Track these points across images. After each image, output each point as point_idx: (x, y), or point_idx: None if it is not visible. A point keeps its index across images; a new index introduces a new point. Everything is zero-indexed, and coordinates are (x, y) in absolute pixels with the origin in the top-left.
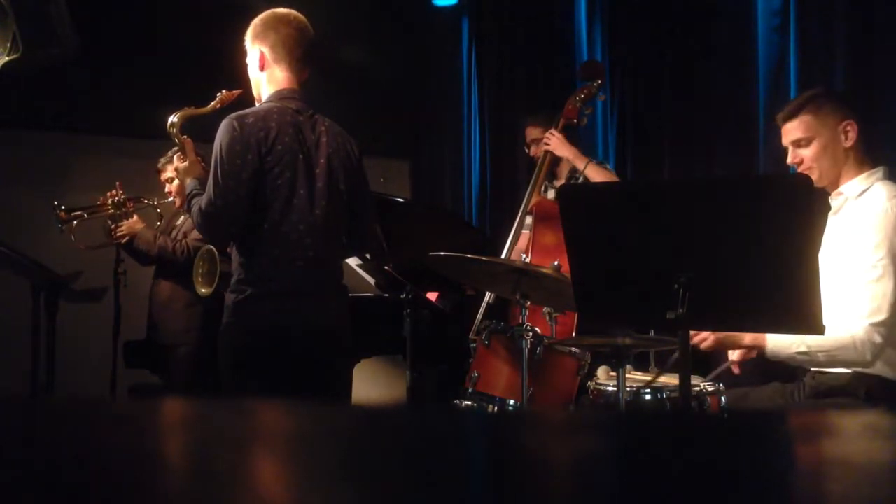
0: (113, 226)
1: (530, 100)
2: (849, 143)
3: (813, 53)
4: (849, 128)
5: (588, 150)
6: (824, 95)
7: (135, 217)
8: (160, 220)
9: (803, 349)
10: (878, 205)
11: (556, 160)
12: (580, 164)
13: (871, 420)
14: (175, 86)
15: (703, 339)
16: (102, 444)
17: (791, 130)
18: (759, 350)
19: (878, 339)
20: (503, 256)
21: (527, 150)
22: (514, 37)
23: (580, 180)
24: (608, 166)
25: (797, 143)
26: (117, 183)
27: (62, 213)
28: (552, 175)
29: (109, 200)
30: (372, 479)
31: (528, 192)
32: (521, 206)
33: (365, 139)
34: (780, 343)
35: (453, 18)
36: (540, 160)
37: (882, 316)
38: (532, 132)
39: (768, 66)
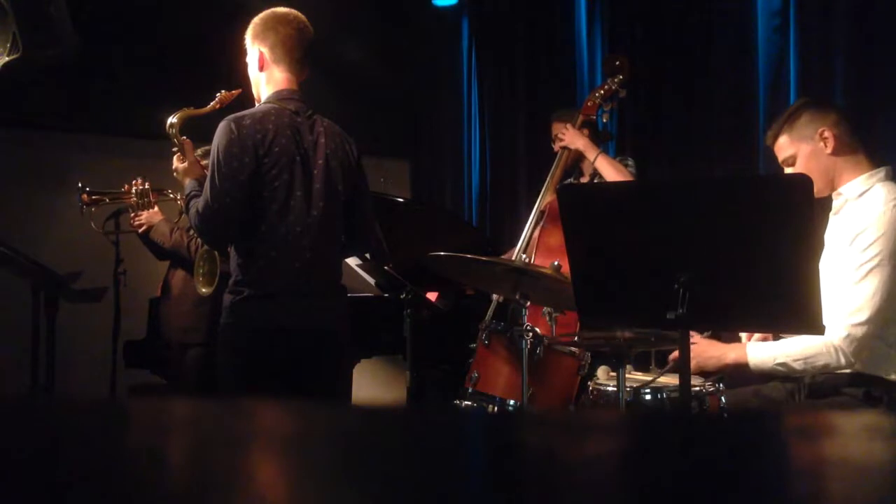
0: (132, 214)
1: (530, 100)
2: (829, 150)
3: (813, 53)
4: (826, 134)
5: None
6: (799, 109)
7: (155, 208)
8: (181, 215)
9: (780, 361)
10: (876, 207)
11: (580, 157)
12: (591, 154)
13: (870, 420)
14: (175, 86)
15: None
16: (102, 444)
17: (777, 152)
18: (743, 367)
19: (854, 339)
20: (516, 254)
21: (553, 146)
22: (514, 37)
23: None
24: (629, 162)
25: (786, 163)
26: (141, 179)
27: (85, 196)
28: (579, 172)
29: (133, 189)
30: (372, 479)
31: (542, 190)
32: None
33: (365, 139)
34: (760, 358)
35: (453, 18)
36: (557, 157)
37: (863, 315)
38: (557, 128)
39: (768, 67)
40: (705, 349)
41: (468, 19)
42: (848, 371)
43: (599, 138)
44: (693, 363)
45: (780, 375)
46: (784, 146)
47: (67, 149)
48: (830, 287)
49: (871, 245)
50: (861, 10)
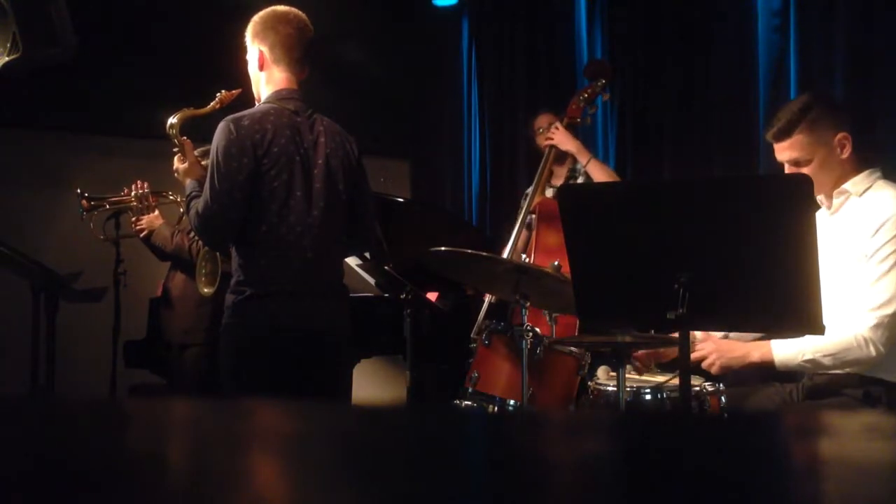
0: (133, 219)
1: (530, 100)
2: (845, 156)
3: (813, 53)
4: (845, 141)
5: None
6: (816, 108)
7: (156, 212)
8: (182, 218)
9: (808, 357)
10: (886, 202)
11: (556, 158)
12: (583, 158)
13: (870, 420)
14: (175, 86)
15: (710, 364)
16: (102, 444)
17: (786, 150)
18: (769, 364)
19: (883, 331)
20: (506, 254)
21: (535, 139)
22: (514, 37)
23: (579, 180)
24: (608, 167)
25: (795, 164)
26: (140, 182)
27: (84, 202)
28: (550, 173)
29: (132, 193)
30: (372, 479)
31: (531, 190)
32: (522, 204)
33: (365, 139)
34: (787, 355)
35: (453, 18)
36: (544, 157)
37: (890, 309)
38: (542, 120)
39: (768, 66)
40: (728, 349)
41: (468, 19)
42: (847, 371)
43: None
44: (717, 364)
45: (807, 372)
46: (797, 147)
47: (67, 149)
48: (838, 285)
49: (889, 240)
50: (861, 9)
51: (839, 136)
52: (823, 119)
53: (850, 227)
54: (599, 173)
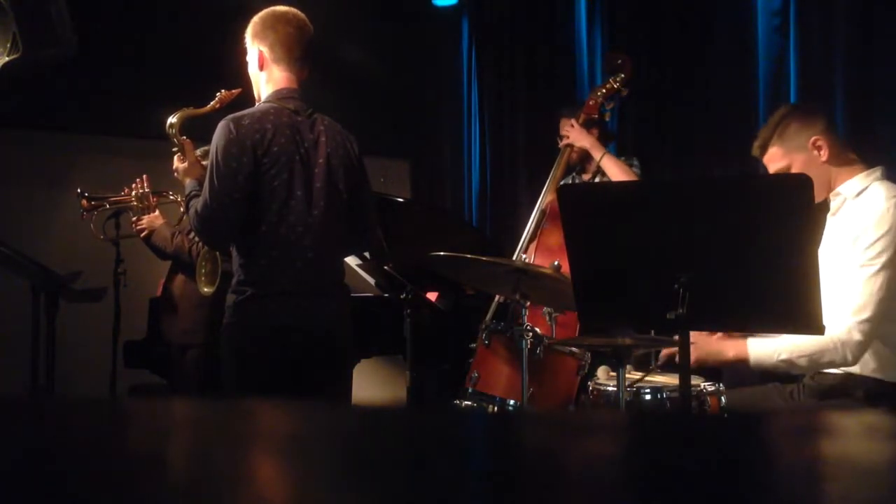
0: (134, 218)
1: (530, 100)
2: (824, 158)
3: (813, 53)
4: (819, 143)
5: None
6: (785, 118)
7: (156, 212)
8: (182, 218)
9: (784, 357)
10: (877, 204)
11: (585, 156)
12: (597, 153)
13: (871, 420)
14: (175, 86)
15: None
16: (102, 444)
17: (769, 163)
18: (744, 362)
19: (859, 336)
20: (516, 254)
21: (559, 142)
22: (514, 37)
23: (605, 178)
24: (634, 162)
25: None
26: (144, 176)
27: (85, 202)
28: (581, 170)
29: (133, 193)
30: (372, 479)
31: (544, 190)
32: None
33: (365, 139)
34: (762, 353)
35: (453, 18)
36: (559, 156)
37: (867, 313)
38: (565, 124)
39: (768, 66)
40: (705, 344)
41: (468, 19)
42: (848, 371)
43: (607, 138)
44: (692, 358)
45: (781, 372)
46: (775, 157)
47: (67, 149)
48: (831, 287)
49: (874, 243)
50: (861, 10)
51: (812, 139)
52: (793, 127)
53: (845, 230)
54: (613, 167)
